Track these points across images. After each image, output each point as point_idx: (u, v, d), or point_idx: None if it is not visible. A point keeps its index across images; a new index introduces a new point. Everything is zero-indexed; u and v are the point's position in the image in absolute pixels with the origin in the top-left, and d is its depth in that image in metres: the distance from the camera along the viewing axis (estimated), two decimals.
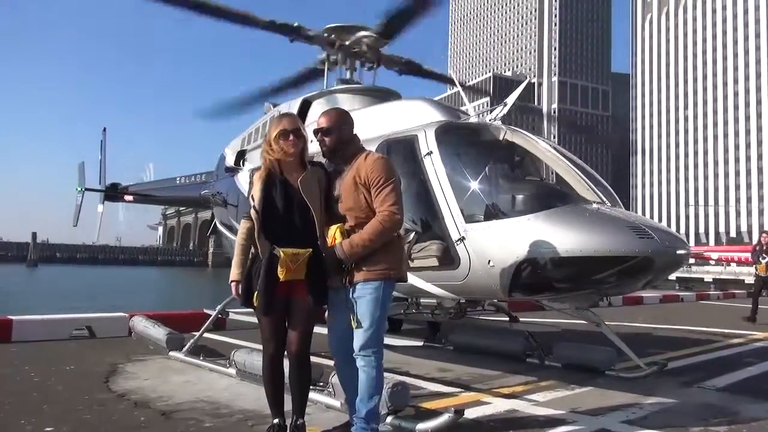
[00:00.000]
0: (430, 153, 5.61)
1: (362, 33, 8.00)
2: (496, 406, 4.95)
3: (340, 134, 3.74)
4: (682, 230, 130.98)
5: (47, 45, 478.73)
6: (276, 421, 3.69)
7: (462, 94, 7.43)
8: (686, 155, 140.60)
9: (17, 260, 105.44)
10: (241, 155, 9.53)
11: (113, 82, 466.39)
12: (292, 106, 8.13)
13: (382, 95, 7.94)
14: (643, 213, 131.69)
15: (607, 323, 6.44)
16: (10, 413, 4.44)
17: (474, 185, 5.43)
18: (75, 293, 38.54)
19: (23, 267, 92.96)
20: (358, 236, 3.49)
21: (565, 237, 4.75)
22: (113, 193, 16.13)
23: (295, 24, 7.81)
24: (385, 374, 4.53)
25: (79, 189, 16.86)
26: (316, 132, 3.76)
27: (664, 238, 4.78)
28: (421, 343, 6.40)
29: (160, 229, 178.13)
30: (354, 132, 3.84)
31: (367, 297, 3.52)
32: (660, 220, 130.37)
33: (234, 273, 3.71)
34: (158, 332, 7.24)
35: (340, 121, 3.78)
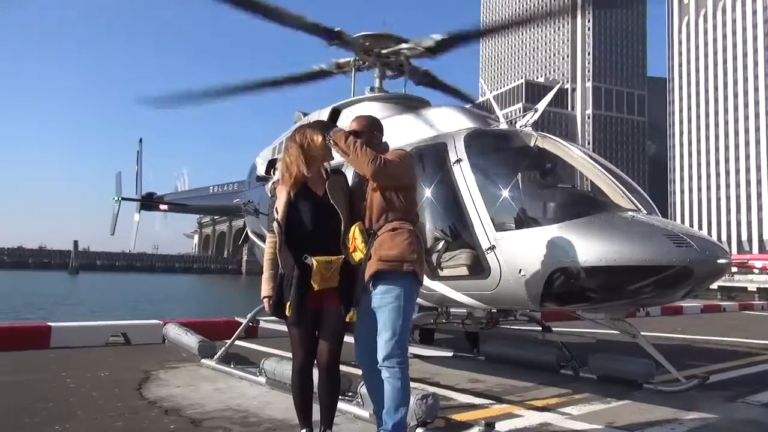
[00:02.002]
0: (459, 160, 5.55)
1: (405, 46, 7.94)
2: (529, 419, 4.83)
3: (371, 138, 3.80)
4: (724, 238, 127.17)
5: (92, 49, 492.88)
6: (304, 431, 3.68)
7: (492, 101, 7.32)
8: (726, 160, 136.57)
9: (59, 267, 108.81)
10: (271, 164, 9.60)
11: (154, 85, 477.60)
12: (322, 114, 8.17)
13: (410, 103, 7.91)
14: (682, 221, 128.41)
15: (644, 334, 6.25)
16: (46, 419, 4.53)
17: (504, 193, 5.34)
18: (114, 300, 39.55)
19: (65, 274, 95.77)
20: (354, 140, 3.58)
21: (598, 246, 4.62)
22: (149, 202, 16.48)
23: (336, 29, 7.85)
24: (415, 385, 4.49)
25: (116, 198, 17.28)
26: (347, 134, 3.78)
27: (703, 246, 4.60)
28: (451, 354, 6.30)
29: (196, 237, 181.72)
30: (384, 140, 3.90)
31: (388, 306, 3.49)
32: (700, 227, 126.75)
33: (265, 288, 3.70)
34: (190, 340, 7.33)
35: (372, 125, 3.88)
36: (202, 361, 6.88)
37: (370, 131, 3.81)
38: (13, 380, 6.02)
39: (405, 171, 3.69)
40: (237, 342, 7.12)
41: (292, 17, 7.41)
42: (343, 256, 3.57)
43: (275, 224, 3.61)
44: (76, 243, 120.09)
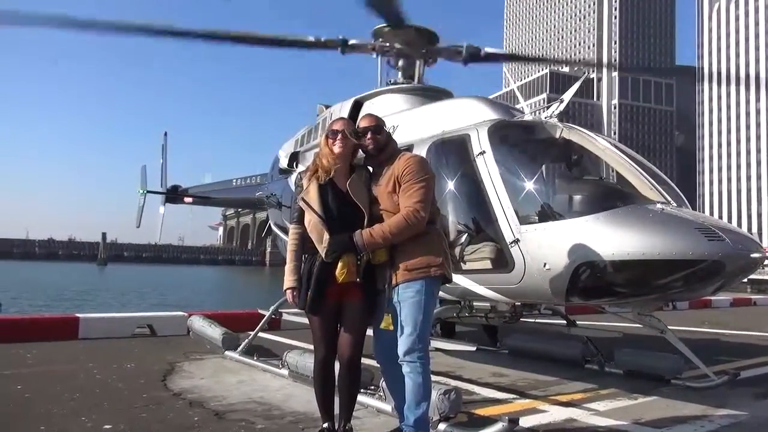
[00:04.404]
0: (482, 152, 5.47)
1: (441, 46, 7.90)
2: (553, 414, 4.77)
3: (388, 134, 3.81)
4: (754, 229, 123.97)
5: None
6: (326, 425, 3.68)
7: (516, 91, 7.23)
8: (758, 150, 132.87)
9: (88, 259, 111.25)
10: (294, 157, 9.63)
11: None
12: (344, 107, 8.15)
13: (433, 94, 7.83)
14: (711, 212, 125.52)
15: (671, 328, 6.11)
16: (74, 409, 4.61)
17: (529, 185, 5.26)
18: (144, 292, 40.36)
19: (94, 266, 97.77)
20: (378, 227, 3.48)
21: (626, 239, 4.52)
22: (174, 195, 16.70)
23: (340, 37, 7.84)
24: (438, 379, 4.46)
25: (141, 191, 17.54)
26: (365, 131, 3.74)
27: (736, 240, 4.47)
28: (474, 348, 6.25)
29: (221, 229, 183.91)
30: (400, 131, 3.88)
31: (408, 300, 3.46)
32: (729, 219, 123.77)
33: (289, 280, 3.67)
34: (214, 332, 7.39)
35: (383, 122, 3.85)
36: (226, 353, 6.94)
37: (384, 127, 3.81)
38: (42, 370, 6.14)
39: (432, 187, 3.62)
40: (260, 334, 7.16)
41: (294, 41, 7.46)
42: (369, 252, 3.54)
43: (314, 215, 3.57)
44: (104, 235, 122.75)
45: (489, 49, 8.08)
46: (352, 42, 8.21)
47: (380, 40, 8.15)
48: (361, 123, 3.81)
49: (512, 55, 9.55)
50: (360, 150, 3.78)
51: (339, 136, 3.67)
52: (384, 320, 3.51)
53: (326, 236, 3.50)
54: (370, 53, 8.33)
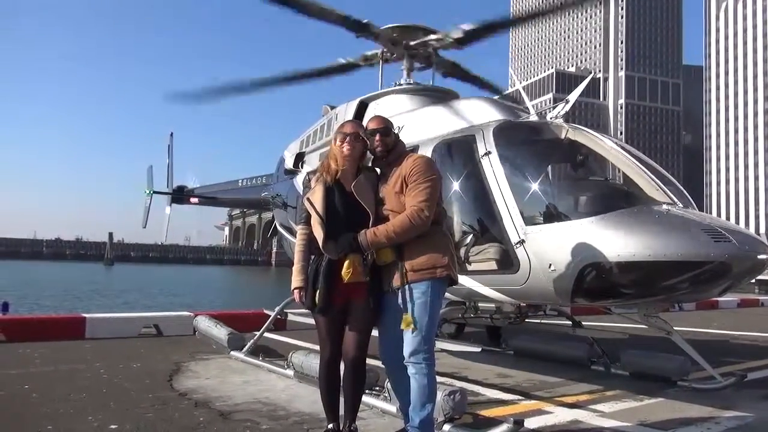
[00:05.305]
0: (488, 153, 5.47)
1: (433, 37, 7.87)
2: (559, 415, 4.75)
3: (396, 135, 3.81)
4: (762, 230, 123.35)
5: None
6: (331, 426, 3.69)
7: (522, 91, 7.21)
8: (766, 150, 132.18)
9: (95, 259, 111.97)
10: (299, 158, 9.65)
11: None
12: (349, 108, 8.15)
13: (439, 95, 7.83)
14: (718, 213, 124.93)
15: (678, 329, 6.09)
16: (81, 409, 4.64)
17: (534, 186, 5.26)
18: (150, 292, 40.51)
19: (101, 265, 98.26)
20: (383, 227, 3.48)
21: (632, 240, 4.51)
22: (180, 195, 16.78)
23: (365, 21, 7.85)
24: (443, 380, 4.46)
25: (147, 192, 17.63)
26: (373, 133, 3.74)
27: (742, 241, 4.45)
28: (479, 349, 6.25)
29: (227, 229, 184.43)
30: (406, 131, 3.88)
31: (414, 302, 3.45)
32: (737, 220, 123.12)
33: (296, 280, 3.69)
34: (220, 332, 7.42)
35: (391, 123, 3.84)
36: (232, 353, 6.96)
37: (391, 129, 3.80)
38: (49, 370, 6.18)
39: (438, 187, 3.61)
40: (265, 334, 7.18)
41: (322, 10, 7.49)
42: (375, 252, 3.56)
43: (316, 217, 3.59)
44: (111, 235, 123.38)
45: (466, 26, 7.96)
46: (369, 54, 8.56)
47: (396, 35, 8.12)
48: (370, 125, 3.81)
49: (493, 23, 9.11)
50: (368, 151, 3.79)
51: (348, 139, 3.69)
52: (404, 320, 3.47)
53: (322, 238, 3.53)
54: (386, 46, 8.40)
